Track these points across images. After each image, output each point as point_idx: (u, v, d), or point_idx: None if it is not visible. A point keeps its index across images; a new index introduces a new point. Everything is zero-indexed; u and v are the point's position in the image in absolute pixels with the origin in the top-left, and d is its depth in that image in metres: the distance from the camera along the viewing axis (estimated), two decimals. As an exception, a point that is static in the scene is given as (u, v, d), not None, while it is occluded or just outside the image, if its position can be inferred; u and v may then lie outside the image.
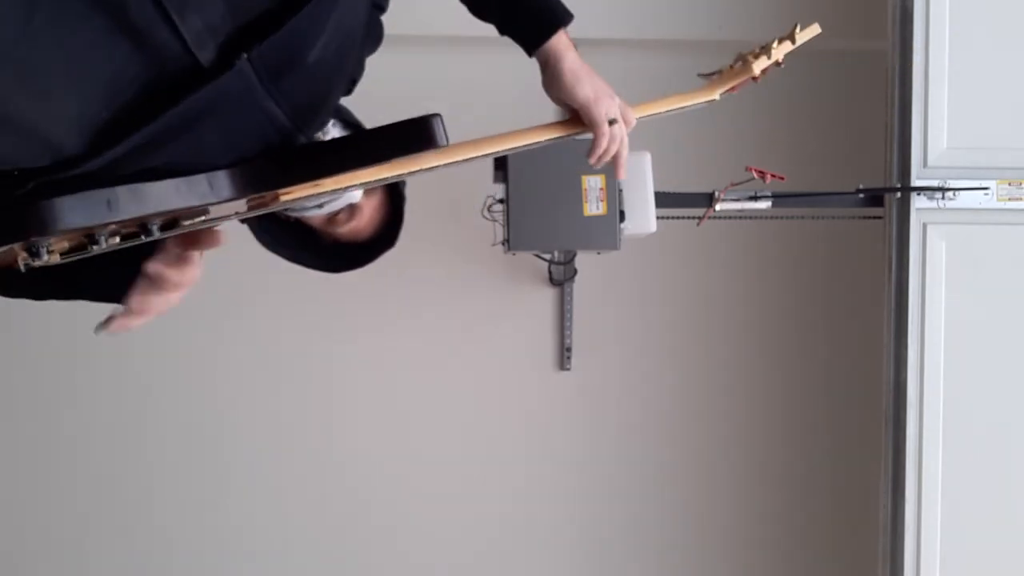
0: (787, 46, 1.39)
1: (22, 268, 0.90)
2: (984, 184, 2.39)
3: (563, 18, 1.20)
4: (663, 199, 2.46)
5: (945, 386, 2.40)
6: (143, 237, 0.93)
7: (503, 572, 3.14)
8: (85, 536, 3.07)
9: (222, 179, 0.94)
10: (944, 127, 2.39)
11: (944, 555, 2.41)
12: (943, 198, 2.39)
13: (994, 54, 2.39)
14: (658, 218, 2.44)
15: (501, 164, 2.39)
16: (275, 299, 3.02)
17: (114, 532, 3.08)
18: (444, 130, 0.95)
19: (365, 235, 1.28)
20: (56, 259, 0.92)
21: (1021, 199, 2.40)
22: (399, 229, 1.30)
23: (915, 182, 2.40)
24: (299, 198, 1.01)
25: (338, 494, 3.09)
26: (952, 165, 2.40)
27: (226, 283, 3.02)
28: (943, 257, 2.41)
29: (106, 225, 0.89)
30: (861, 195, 2.48)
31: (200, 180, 0.93)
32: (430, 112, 0.95)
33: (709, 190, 2.47)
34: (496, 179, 2.42)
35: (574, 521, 3.14)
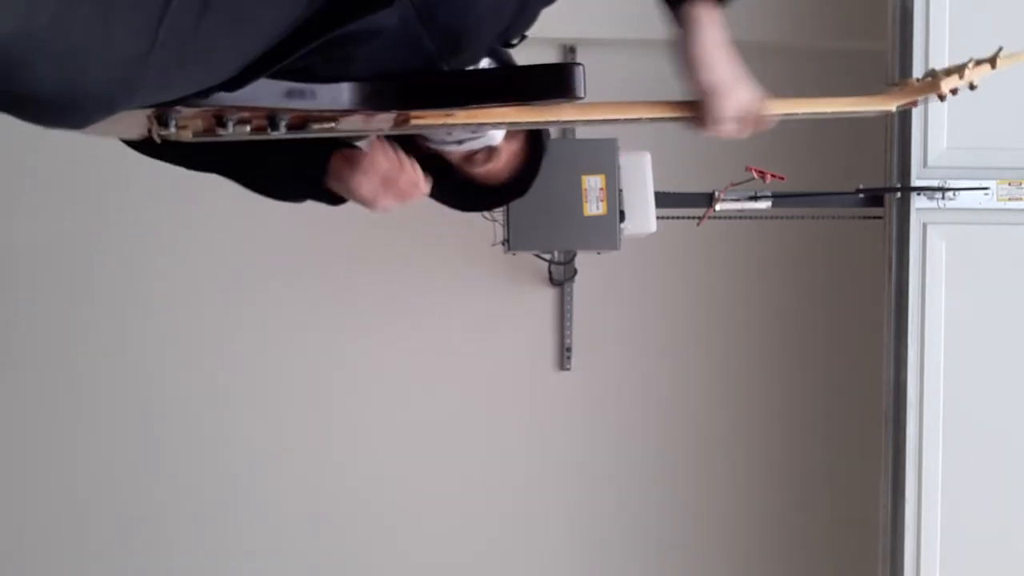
0: (985, 69, 1.33)
1: (157, 140, 0.94)
2: (984, 184, 2.39)
3: None
4: (663, 199, 2.45)
5: (945, 386, 2.40)
6: (270, 131, 0.96)
7: (503, 572, 3.14)
8: (85, 536, 3.07)
9: (350, 89, 0.97)
10: (944, 127, 2.39)
11: (944, 555, 2.41)
12: (943, 198, 2.39)
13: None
14: (658, 218, 2.44)
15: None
16: (275, 299, 3.02)
17: (114, 532, 3.08)
18: (584, 81, 0.94)
19: (499, 179, 1.29)
20: (188, 136, 0.95)
21: (1021, 199, 2.40)
22: (534, 178, 1.32)
23: (915, 182, 2.39)
24: (432, 125, 1.02)
25: (338, 494, 3.09)
26: (952, 165, 2.40)
27: (226, 283, 3.03)
28: (943, 257, 2.41)
29: (236, 109, 0.92)
30: (861, 195, 2.48)
31: (336, 88, 0.96)
32: (574, 61, 0.94)
33: (709, 190, 2.47)
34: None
35: (574, 521, 3.13)
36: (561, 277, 3.00)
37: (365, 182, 1.18)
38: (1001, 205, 2.40)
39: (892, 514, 2.46)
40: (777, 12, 2.89)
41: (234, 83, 0.92)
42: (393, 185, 1.18)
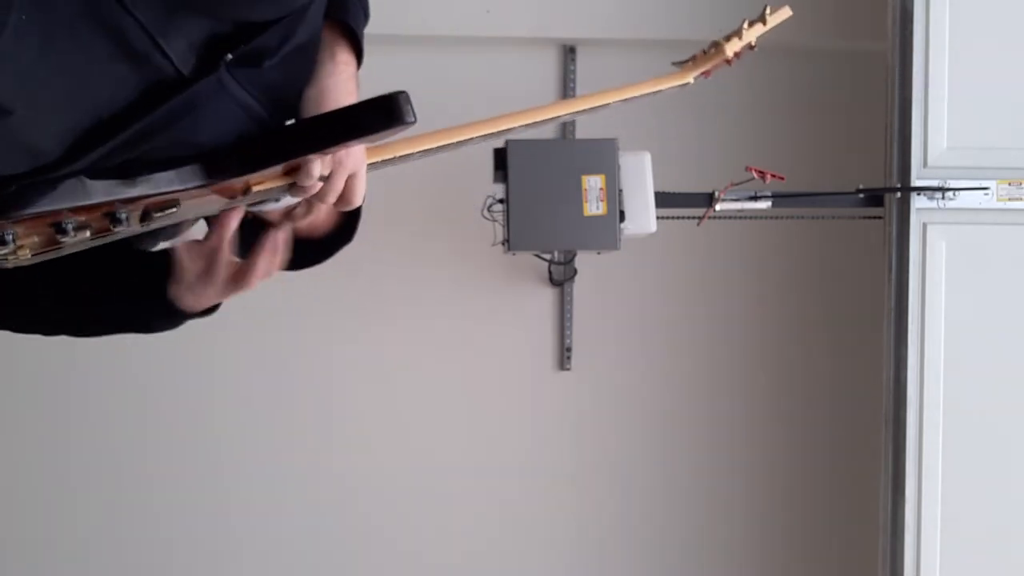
0: (759, 28, 1.41)
1: None
2: (984, 184, 2.39)
3: (344, 10, 1.10)
4: (663, 199, 2.45)
5: (945, 386, 2.40)
6: (113, 228, 0.93)
7: (503, 572, 3.14)
8: (85, 536, 3.07)
9: (189, 169, 0.95)
10: (944, 127, 2.39)
11: (944, 555, 2.41)
12: (943, 198, 2.39)
13: (994, 54, 2.39)
14: (658, 218, 2.44)
15: (501, 164, 2.39)
16: (273, 299, 3.02)
17: (114, 532, 3.07)
18: (411, 107, 0.94)
19: (323, 230, 1.26)
20: (26, 255, 0.91)
21: (1021, 199, 2.40)
22: (357, 223, 1.28)
23: (915, 182, 2.40)
24: (272, 188, 1.00)
25: (337, 493, 3.09)
26: (952, 165, 2.40)
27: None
28: (943, 257, 2.41)
29: (73, 211, 0.90)
30: (861, 195, 2.48)
31: (168, 172, 0.94)
32: (397, 90, 0.94)
33: (709, 190, 2.47)
34: (496, 179, 2.42)
35: (574, 521, 3.13)
36: (561, 277, 3.00)
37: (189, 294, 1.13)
38: (1001, 205, 2.40)
39: (892, 514, 2.46)
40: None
41: (64, 161, 0.89)
42: (215, 279, 1.12)
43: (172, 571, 3.10)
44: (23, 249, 0.90)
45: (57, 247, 0.92)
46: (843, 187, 2.50)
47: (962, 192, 2.38)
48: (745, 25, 1.40)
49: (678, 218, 2.51)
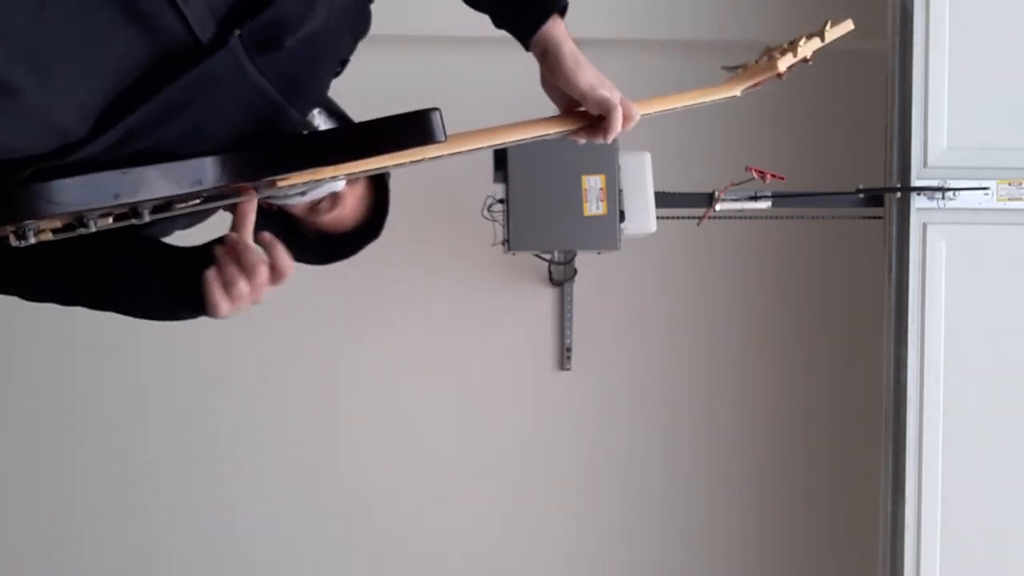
0: (816, 43, 1.34)
1: (12, 243, 0.89)
2: (984, 184, 2.39)
3: (559, 2, 1.16)
4: (663, 199, 2.46)
5: (945, 386, 2.40)
6: (134, 220, 0.93)
7: (502, 572, 3.14)
8: (85, 535, 3.07)
9: (219, 165, 0.94)
10: (944, 127, 2.39)
11: (944, 555, 2.41)
12: (943, 198, 2.39)
13: (994, 54, 2.39)
14: (658, 218, 2.44)
15: (501, 164, 2.39)
16: (275, 300, 3.01)
17: (114, 532, 3.08)
18: (443, 124, 0.95)
19: (348, 225, 1.26)
20: (48, 236, 0.92)
21: (1021, 199, 2.40)
22: (384, 219, 1.29)
23: (915, 182, 2.40)
24: (295, 184, 1.01)
25: (338, 493, 3.09)
26: (952, 165, 2.40)
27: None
28: (943, 257, 2.41)
29: (99, 208, 0.89)
30: (861, 195, 2.48)
31: (198, 164, 0.93)
32: (430, 106, 0.94)
33: (709, 190, 2.47)
34: (496, 179, 2.42)
35: (574, 521, 3.13)
36: (561, 277, 3.00)
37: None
38: (1001, 205, 2.40)
39: (892, 514, 2.46)
40: (777, 12, 2.90)
41: (90, 139, 0.87)
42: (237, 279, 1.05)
43: (173, 571, 3.10)
44: (44, 232, 0.91)
45: (79, 230, 0.91)
46: (843, 187, 2.50)
47: (962, 192, 2.38)
48: (803, 39, 1.33)
49: (678, 218, 2.51)
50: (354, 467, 3.09)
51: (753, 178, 2.36)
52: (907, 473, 2.40)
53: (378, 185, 1.28)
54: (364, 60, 1.13)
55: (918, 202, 2.41)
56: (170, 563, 3.09)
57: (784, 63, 1.32)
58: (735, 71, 1.34)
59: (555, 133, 1.18)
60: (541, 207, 2.38)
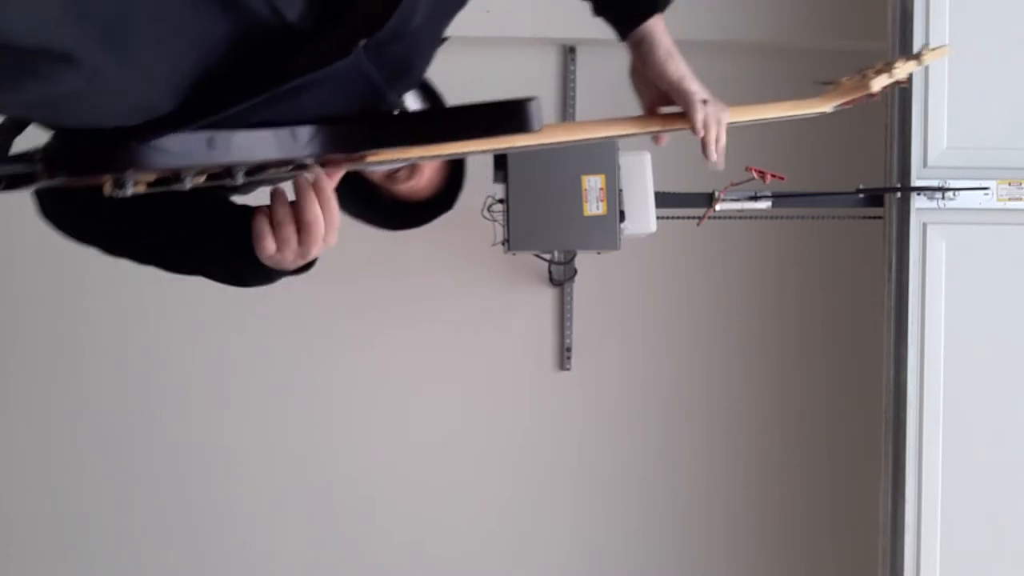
0: (912, 65, 1.34)
1: (108, 192, 0.91)
2: (984, 184, 2.39)
3: (662, 2, 1.18)
4: (663, 199, 2.45)
5: (945, 386, 2.40)
6: (227, 180, 0.95)
7: (502, 571, 3.14)
8: (85, 535, 3.07)
9: (316, 134, 0.95)
10: (944, 127, 2.39)
11: (944, 555, 2.41)
12: (943, 198, 2.39)
13: (994, 54, 2.39)
14: (658, 218, 2.45)
15: (501, 164, 2.39)
16: (275, 300, 3.01)
17: (114, 531, 3.08)
18: (539, 115, 0.95)
19: (424, 195, 1.28)
20: (142, 189, 0.93)
21: (1021, 199, 2.40)
22: (458, 192, 1.30)
23: (915, 182, 2.40)
24: (384, 160, 1.02)
25: (338, 494, 3.09)
26: (952, 165, 2.40)
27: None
28: (943, 257, 2.41)
29: (196, 165, 0.91)
30: (861, 195, 2.48)
31: (295, 132, 0.94)
32: (528, 96, 0.94)
33: (709, 190, 2.47)
34: (496, 179, 2.42)
35: (573, 521, 3.13)
36: (561, 277, 3.00)
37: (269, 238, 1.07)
38: (1001, 205, 2.40)
39: (892, 514, 2.46)
40: (777, 12, 2.89)
41: (178, 117, 0.87)
42: (291, 233, 1.06)
43: (174, 570, 3.10)
44: (140, 184, 0.92)
45: (174, 186, 0.92)
46: (843, 187, 2.50)
47: (962, 192, 2.38)
48: (899, 61, 1.33)
49: (678, 218, 2.51)
50: (354, 467, 3.09)
51: (753, 178, 2.36)
52: (907, 473, 2.40)
53: (455, 160, 1.29)
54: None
55: (918, 202, 2.41)
56: (171, 563, 3.09)
57: (878, 83, 1.32)
58: (827, 87, 1.36)
59: (639, 132, 1.18)
60: (541, 207, 2.38)
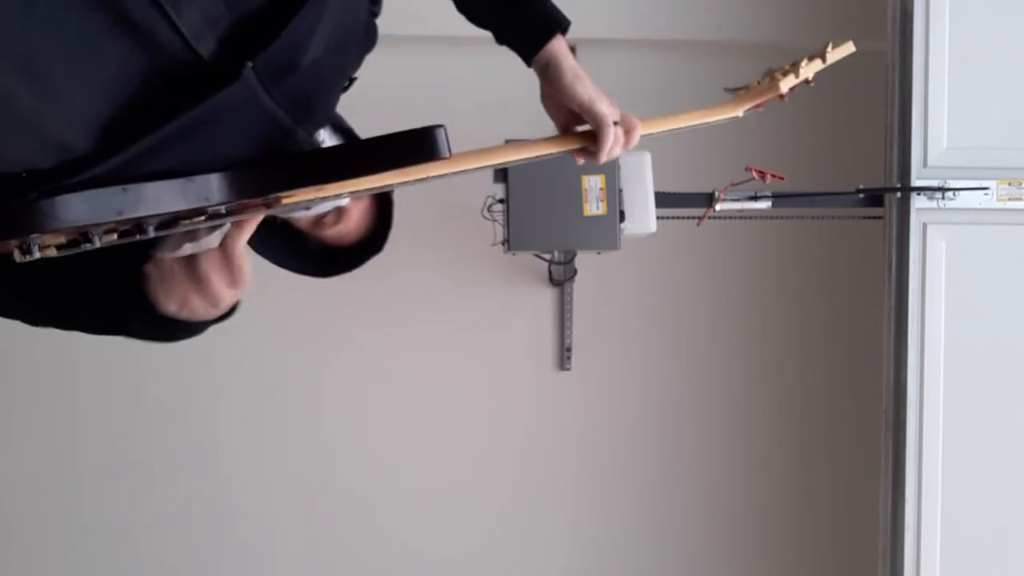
0: (817, 64, 1.37)
1: (17, 258, 0.88)
2: (984, 184, 2.39)
3: (561, 22, 1.20)
4: (663, 199, 2.46)
5: (945, 386, 2.40)
6: (138, 236, 0.92)
7: (502, 571, 3.14)
8: (84, 534, 3.07)
9: (225, 181, 0.93)
10: (944, 127, 2.39)
11: (944, 555, 2.41)
12: (943, 198, 2.39)
13: (994, 54, 2.39)
14: (658, 218, 2.45)
15: (501, 164, 2.39)
16: (274, 300, 3.01)
17: (113, 531, 3.08)
18: (448, 142, 0.94)
19: (352, 239, 1.26)
20: (52, 253, 0.91)
21: (1021, 199, 2.40)
22: (387, 234, 1.29)
23: (915, 182, 2.40)
24: (299, 201, 1.01)
25: (338, 494, 3.09)
26: (952, 165, 2.40)
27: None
28: (943, 257, 2.41)
29: (104, 224, 0.88)
30: (861, 195, 2.48)
31: (204, 182, 0.91)
32: (434, 123, 0.94)
33: (709, 190, 2.47)
34: (496, 179, 2.42)
35: (573, 520, 3.14)
36: (561, 277, 3.00)
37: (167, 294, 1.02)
38: (1001, 205, 2.40)
39: (892, 514, 2.46)
40: (777, 12, 2.90)
41: (91, 159, 0.85)
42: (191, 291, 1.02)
43: (174, 571, 3.10)
44: (49, 248, 0.90)
45: (84, 246, 0.90)
46: (843, 187, 2.50)
47: (962, 192, 2.39)
48: (804, 61, 1.35)
49: (678, 218, 2.51)
50: (354, 467, 3.09)
51: (753, 178, 2.36)
52: (907, 473, 2.41)
53: (382, 200, 1.28)
54: (366, 60, 1.13)
55: (918, 202, 2.41)
56: (170, 563, 3.09)
57: (786, 84, 1.34)
58: (737, 92, 1.38)
59: (556, 153, 1.20)
60: (541, 207, 2.38)
